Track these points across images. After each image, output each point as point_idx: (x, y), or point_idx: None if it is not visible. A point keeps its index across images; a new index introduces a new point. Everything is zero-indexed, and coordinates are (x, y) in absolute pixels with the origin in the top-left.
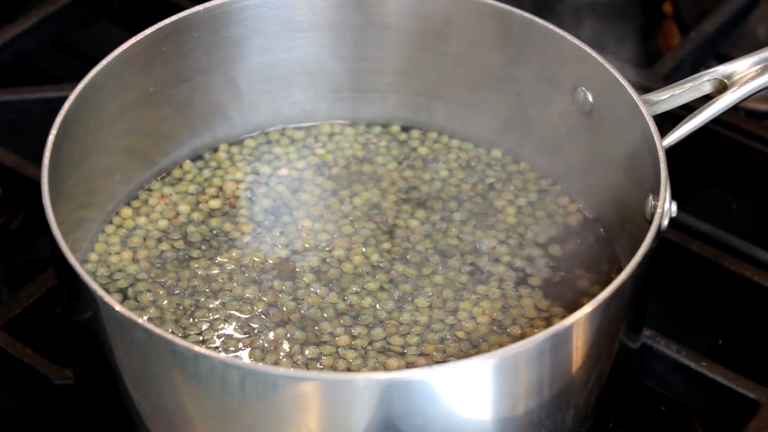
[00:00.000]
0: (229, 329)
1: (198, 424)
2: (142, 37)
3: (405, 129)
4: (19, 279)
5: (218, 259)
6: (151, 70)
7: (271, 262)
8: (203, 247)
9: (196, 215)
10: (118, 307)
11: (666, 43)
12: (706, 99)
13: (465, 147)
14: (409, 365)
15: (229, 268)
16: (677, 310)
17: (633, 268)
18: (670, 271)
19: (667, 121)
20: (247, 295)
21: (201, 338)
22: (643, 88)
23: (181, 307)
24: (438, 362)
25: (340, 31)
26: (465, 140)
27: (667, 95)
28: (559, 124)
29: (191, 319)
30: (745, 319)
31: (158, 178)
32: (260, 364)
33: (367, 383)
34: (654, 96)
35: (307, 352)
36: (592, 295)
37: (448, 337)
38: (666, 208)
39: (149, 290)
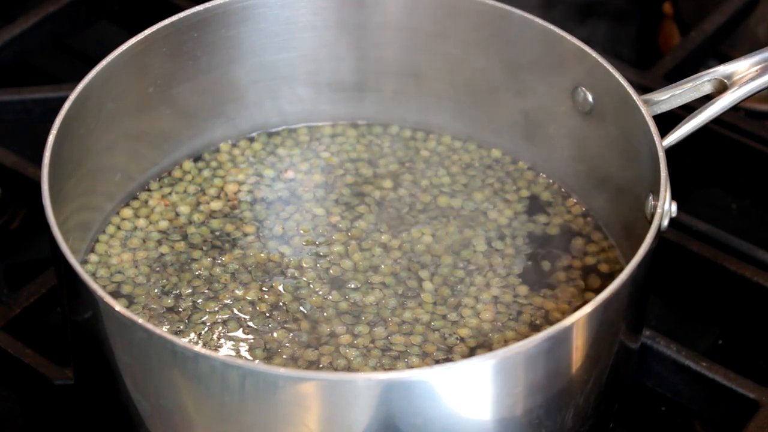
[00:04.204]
0: (231, 330)
1: (198, 424)
2: (142, 37)
3: (406, 129)
4: (19, 279)
5: (219, 260)
6: (151, 70)
7: (273, 262)
8: (204, 248)
9: (196, 216)
10: (118, 307)
11: (666, 43)
12: (706, 99)
13: (467, 147)
14: (410, 364)
15: (230, 269)
16: (677, 310)
17: (633, 268)
18: (670, 271)
19: (668, 121)
20: (249, 296)
21: (202, 340)
22: (643, 88)
23: (181, 308)
24: (438, 362)
25: (341, 31)
26: (465, 140)
27: (667, 95)
28: (559, 124)
29: (192, 320)
30: (744, 319)
31: (158, 178)
32: (260, 363)
33: (368, 383)
34: (654, 96)
35: (310, 352)
36: (592, 295)
37: (448, 335)
38: (666, 208)
39: (150, 291)
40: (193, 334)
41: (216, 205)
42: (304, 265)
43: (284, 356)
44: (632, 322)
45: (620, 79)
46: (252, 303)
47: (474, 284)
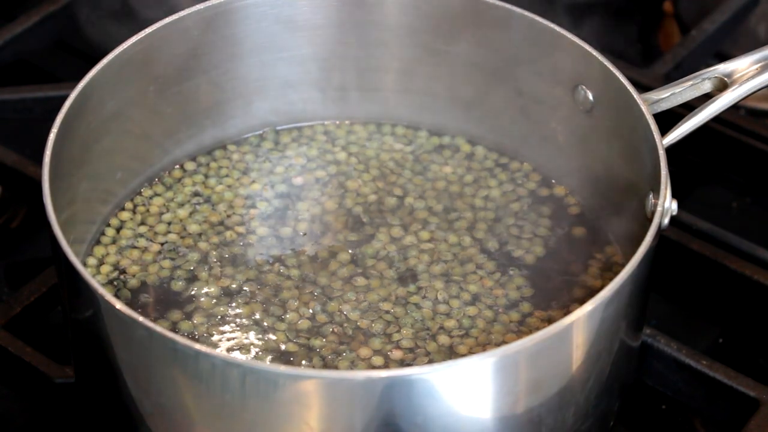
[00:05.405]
0: (234, 332)
1: (199, 422)
2: (142, 36)
3: (406, 128)
4: (19, 277)
5: (220, 260)
6: (152, 69)
7: (272, 262)
8: (204, 247)
9: (196, 215)
10: (118, 306)
11: (666, 41)
12: (707, 97)
13: (467, 146)
14: (411, 362)
15: (231, 269)
16: (678, 309)
17: (633, 267)
18: (671, 269)
19: (668, 119)
20: (250, 296)
21: (203, 343)
22: (644, 87)
23: (182, 310)
24: (431, 360)
25: (341, 29)
26: (465, 139)
27: (668, 94)
28: (559, 123)
29: (192, 321)
30: (745, 317)
31: (159, 177)
32: (261, 362)
33: (368, 382)
34: (654, 94)
35: (323, 356)
36: (593, 294)
37: (447, 334)
38: (666, 206)
39: (150, 291)
40: (195, 335)
41: (216, 203)
42: (308, 266)
43: (291, 359)
44: (633, 321)
45: (621, 78)
46: (253, 305)
47: (475, 282)
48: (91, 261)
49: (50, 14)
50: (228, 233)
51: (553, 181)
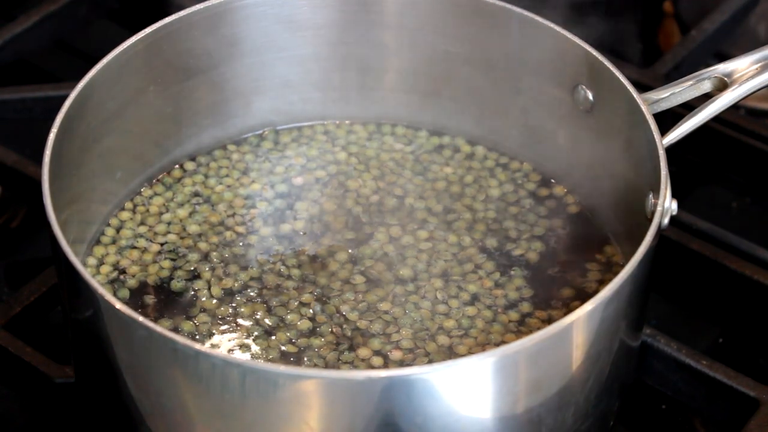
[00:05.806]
0: (234, 333)
1: (199, 422)
2: (142, 35)
3: (406, 128)
4: (19, 277)
5: (219, 260)
6: (151, 69)
7: (272, 262)
8: (203, 247)
9: (196, 216)
10: (118, 305)
11: (666, 41)
12: (707, 97)
13: (466, 146)
14: (410, 363)
15: (231, 269)
16: (678, 309)
17: (633, 267)
18: (671, 269)
19: (668, 119)
20: (250, 296)
21: (203, 343)
22: (644, 87)
23: (182, 310)
24: (431, 360)
25: (341, 29)
26: (465, 139)
27: (668, 93)
28: (559, 123)
29: (193, 321)
30: (745, 317)
31: (158, 177)
32: (261, 361)
33: (368, 382)
34: (654, 94)
35: (323, 356)
36: (592, 294)
37: (446, 334)
38: (666, 206)
39: (150, 291)
40: (195, 336)
41: (215, 203)
42: (308, 266)
43: (291, 360)
44: (632, 321)
45: (621, 78)
46: (254, 305)
47: (474, 282)
48: (91, 261)
49: (50, 14)
50: (228, 233)
51: (553, 181)
